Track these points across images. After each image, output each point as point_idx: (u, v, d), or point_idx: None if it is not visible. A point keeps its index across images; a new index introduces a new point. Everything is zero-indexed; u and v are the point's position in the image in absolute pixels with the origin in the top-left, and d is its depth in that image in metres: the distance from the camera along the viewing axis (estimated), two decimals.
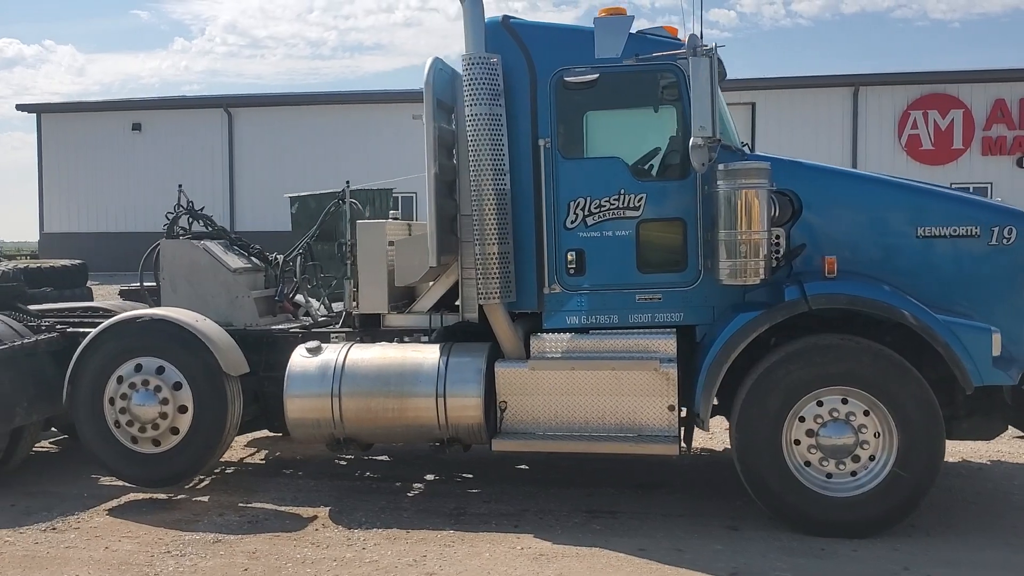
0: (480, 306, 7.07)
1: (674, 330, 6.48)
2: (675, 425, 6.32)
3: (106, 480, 7.57)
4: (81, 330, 7.80)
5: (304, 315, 8.26)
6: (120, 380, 6.97)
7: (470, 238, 6.85)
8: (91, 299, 24.27)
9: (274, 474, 7.79)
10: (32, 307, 8.28)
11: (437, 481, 7.52)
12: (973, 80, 31.48)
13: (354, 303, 7.58)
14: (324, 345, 6.96)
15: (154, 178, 35.75)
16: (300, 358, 6.86)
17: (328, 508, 6.74)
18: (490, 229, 6.44)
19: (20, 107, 37.87)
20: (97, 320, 8.36)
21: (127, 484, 7.25)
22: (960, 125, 31.51)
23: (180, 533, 6.21)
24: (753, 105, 32.38)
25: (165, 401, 6.89)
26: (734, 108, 34.75)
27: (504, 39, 6.56)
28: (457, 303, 7.09)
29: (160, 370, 6.93)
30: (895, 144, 31.90)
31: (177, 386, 6.91)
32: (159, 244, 8.00)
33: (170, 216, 8.05)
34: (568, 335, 6.57)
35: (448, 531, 6.20)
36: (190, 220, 8.13)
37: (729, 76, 7.05)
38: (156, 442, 6.96)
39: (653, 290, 6.55)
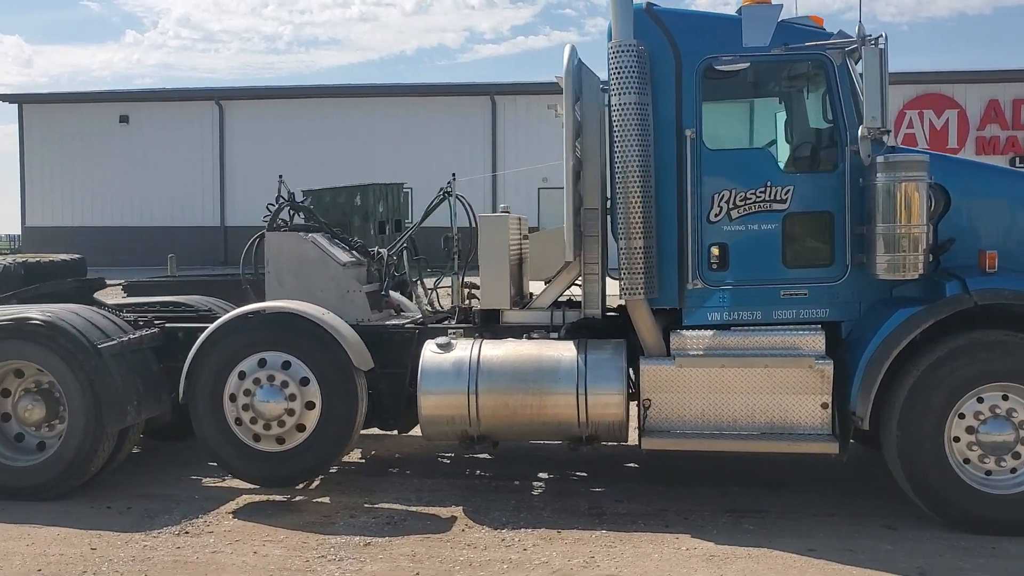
0: (604, 302, 6.97)
1: (820, 326, 6.36)
2: (828, 423, 6.20)
3: (208, 481, 7.30)
4: (182, 325, 7.53)
5: (399, 310, 8.04)
6: (242, 376, 6.70)
7: (594, 232, 6.71)
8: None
9: (379, 473, 7.55)
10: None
11: (554, 479, 7.33)
12: (968, 80, 31.93)
13: (469, 299, 7.38)
14: (454, 341, 6.74)
15: (142, 172, 35.19)
16: (432, 354, 6.64)
17: (460, 508, 6.54)
18: (636, 222, 6.26)
19: (1, 97, 36.98)
20: (184, 315, 8.10)
21: (238, 485, 7.00)
22: (955, 125, 31.94)
23: (322, 536, 5.97)
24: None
25: (292, 397, 6.62)
26: (736, 104, 34.53)
27: (648, 26, 6.39)
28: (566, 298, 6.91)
29: (286, 365, 6.67)
30: (891, 142, 32.12)
31: (304, 381, 6.65)
32: (260, 236, 7.73)
33: (271, 208, 7.78)
34: (711, 332, 6.42)
35: (601, 531, 6.02)
36: (291, 212, 7.86)
37: None
38: (280, 440, 6.70)
39: (799, 285, 6.42)
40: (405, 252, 8.00)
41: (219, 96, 35.06)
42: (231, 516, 6.42)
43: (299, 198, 21.47)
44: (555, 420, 6.49)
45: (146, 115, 35.37)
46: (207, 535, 6.03)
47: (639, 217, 6.26)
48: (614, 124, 6.27)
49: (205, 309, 8.50)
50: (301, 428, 6.68)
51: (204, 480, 7.33)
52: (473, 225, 7.85)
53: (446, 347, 6.69)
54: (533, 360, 6.55)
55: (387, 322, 7.42)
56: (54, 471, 6.67)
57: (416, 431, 7.09)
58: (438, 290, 8.12)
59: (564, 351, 6.57)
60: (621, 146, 6.25)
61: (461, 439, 6.69)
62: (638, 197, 6.25)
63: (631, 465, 7.74)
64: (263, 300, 7.27)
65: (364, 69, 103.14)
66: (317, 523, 6.26)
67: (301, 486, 7.03)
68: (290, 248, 7.51)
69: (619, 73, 6.23)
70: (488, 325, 7.19)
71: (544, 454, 7.90)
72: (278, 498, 6.82)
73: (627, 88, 6.21)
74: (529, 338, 6.85)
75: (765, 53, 6.30)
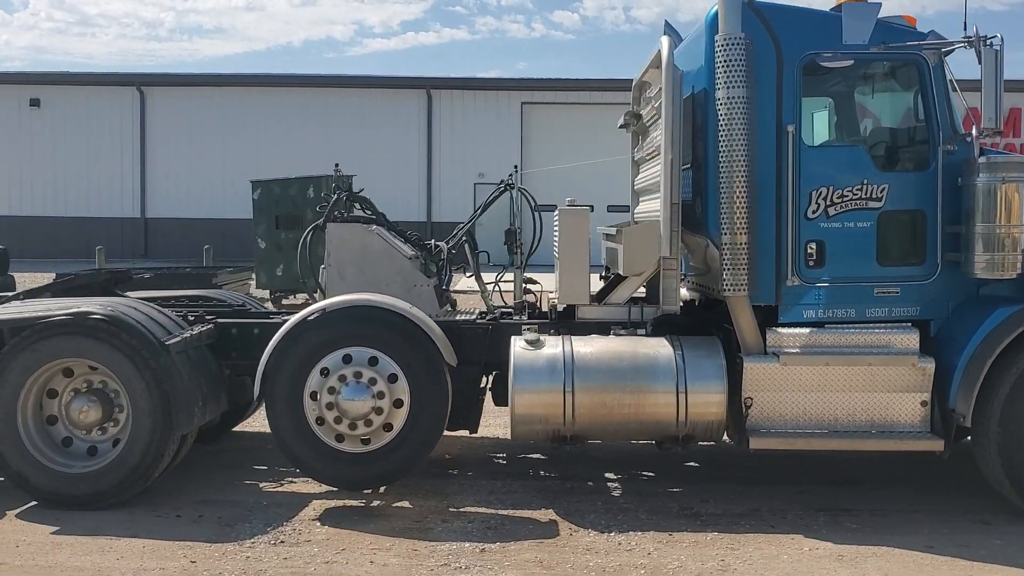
0: (681, 298, 6.89)
1: (911, 324, 6.40)
2: (928, 420, 6.24)
3: (265, 485, 6.91)
4: (236, 321, 7.10)
5: (454, 305, 7.78)
6: (325, 373, 6.32)
7: (675, 228, 6.61)
8: (14, 287, 22.46)
9: (439, 475, 7.23)
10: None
11: (625, 479, 7.18)
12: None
13: (525, 294, 7.20)
14: (543, 338, 6.52)
15: (55, 159, 33.40)
16: (524, 351, 6.41)
17: (550, 510, 6.33)
18: (740, 218, 6.18)
19: None
20: (226, 310, 7.66)
21: (299, 489, 6.66)
22: None
23: (429, 543, 5.68)
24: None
25: (380, 395, 6.29)
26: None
27: (749, 19, 6.29)
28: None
29: (373, 361, 6.33)
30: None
31: (392, 378, 6.32)
32: (314, 228, 7.35)
33: (329, 198, 7.39)
34: (807, 329, 6.38)
35: (711, 533, 5.91)
36: (348, 203, 7.49)
37: None
38: (365, 440, 6.36)
39: (891, 283, 6.43)
40: (466, 245, 7.69)
41: (140, 82, 33.48)
42: (317, 523, 6.05)
43: (253, 190, 20.68)
44: (653, 419, 6.35)
45: (59, 99, 33.52)
46: (306, 544, 5.66)
47: (744, 213, 6.17)
48: (720, 118, 6.17)
49: (239, 304, 8.06)
50: (388, 428, 6.36)
51: (261, 485, 6.91)
52: (534, 219, 7.64)
53: (536, 344, 6.46)
54: (629, 357, 6.39)
55: (457, 318, 7.14)
56: (116, 477, 6.17)
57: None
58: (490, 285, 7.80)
59: (659, 348, 6.43)
60: (727, 141, 6.15)
61: (552, 439, 6.47)
62: (743, 192, 6.16)
63: (692, 464, 7.66)
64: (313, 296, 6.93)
65: (250, 60, 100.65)
66: (413, 529, 5.96)
67: (368, 491, 6.71)
68: (353, 240, 7.15)
69: (727, 66, 6.12)
70: (564, 321, 7.00)
71: (593, 453, 7.75)
72: (354, 503, 6.47)
73: (735, 82, 6.12)
74: (616, 335, 6.69)
75: (864, 51, 6.30)
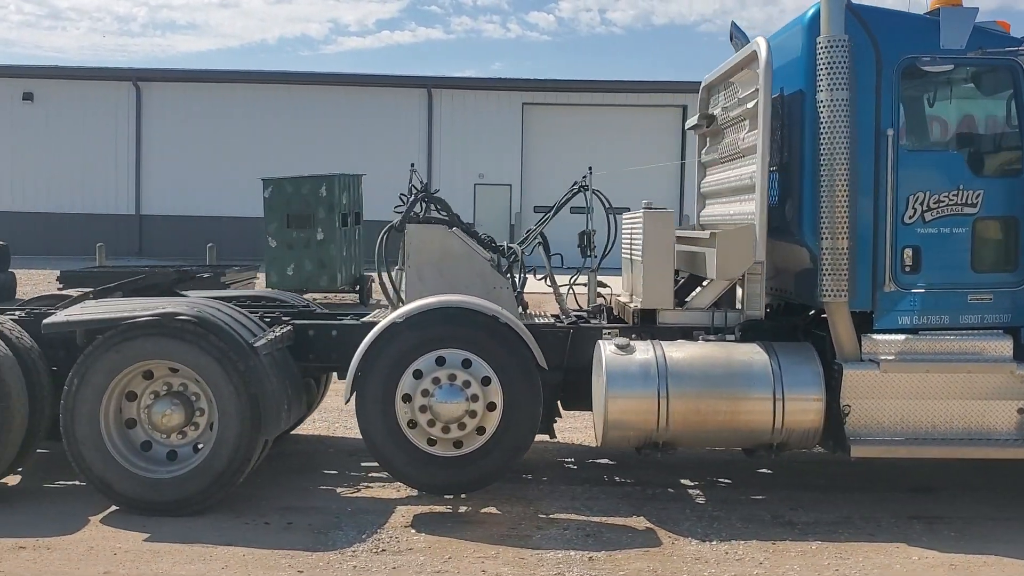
0: (761, 305, 6.81)
1: (1003, 331, 6.35)
2: (1022, 428, 6.19)
3: (342, 491, 6.74)
4: (312, 322, 6.94)
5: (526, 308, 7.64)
6: (418, 375, 6.19)
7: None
8: (14, 285, 22.07)
9: (515, 480, 7.08)
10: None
11: (705, 486, 7.07)
12: None
13: (609, 298, 7.11)
14: (632, 342, 6.41)
15: (49, 154, 32.97)
16: (615, 356, 6.29)
17: (641, 517, 6.23)
18: (841, 223, 6.10)
19: None
20: (293, 311, 7.49)
21: (377, 495, 6.52)
22: None
23: (534, 551, 5.55)
24: (684, 108, 33.06)
25: (474, 398, 6.17)
26: (667, 111, 35.45)
27: (849, 21, 6.21)
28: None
29: (466, 363, 6.20)
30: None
31: (485, 381, 6.20)
32: (389, 229, 7.20)
33: (406, 199, 7.25)
34: (902, 336, 6.30)
35: (815, 543, 5.82)
36: (425, 204, 7.34)
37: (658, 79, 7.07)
38: (458, 444, 6.23)
39: (984, 290, 6.37)
40: (541, 247, 7.57)
41: (137, 76, 33.10)
42: (412, 530, 5.90)
43: (264, 188, 20.44)
44: (747, 426, 6.26)
45: (54, 93, 33.08)
46: (409, 552, 5.51)
47: (845, 217, 6.10)
48: (821, 121, 6.09)
49: (303, 304, 7.90)
50: (480, 431, 6.24)
51: (337, 490, 6.76)
52: (609, 221, 7.52)
53: (627, 348, 6.35)
54: (723, 363, 6.29)
55: (536, 321, 7.02)
56: (201, 483, 5.99)
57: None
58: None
59: (753, 354, 6.34)
60: (829, 144, 6.07)
61: (643, 445, 6.37)
62: (845, 197, 6.08)
63: (764, 472, 7.57)
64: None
65: (223, 57, 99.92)
66: (511, 536, 5.83)
67: (450, 497, 6.58)
68: (433, 241, 7.01)
69: (830, 69, 6.04)
70: (645, 326, 6.89)
71: (662, 458, 7.64)
72: (439, 509, 6.33)
73: (838, 84, 6.04)
74: (705, 340, 6.59)
75: (962, 55, 6.24)
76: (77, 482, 6.42)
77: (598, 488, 6.94)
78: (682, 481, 7.20)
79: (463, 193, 32.96)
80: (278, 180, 19.99)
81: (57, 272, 18.18)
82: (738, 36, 8.06)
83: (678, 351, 6.37)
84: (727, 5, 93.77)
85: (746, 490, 6.99)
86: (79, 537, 5.66)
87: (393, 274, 7.32)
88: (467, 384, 6.18)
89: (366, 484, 6.88)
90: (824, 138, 6.10)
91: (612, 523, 6.12)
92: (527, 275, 7.49)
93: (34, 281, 21.72)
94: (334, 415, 8.89)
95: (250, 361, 5.94)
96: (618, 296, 7.74)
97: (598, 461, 7.70)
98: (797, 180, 6.48)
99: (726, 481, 7.26)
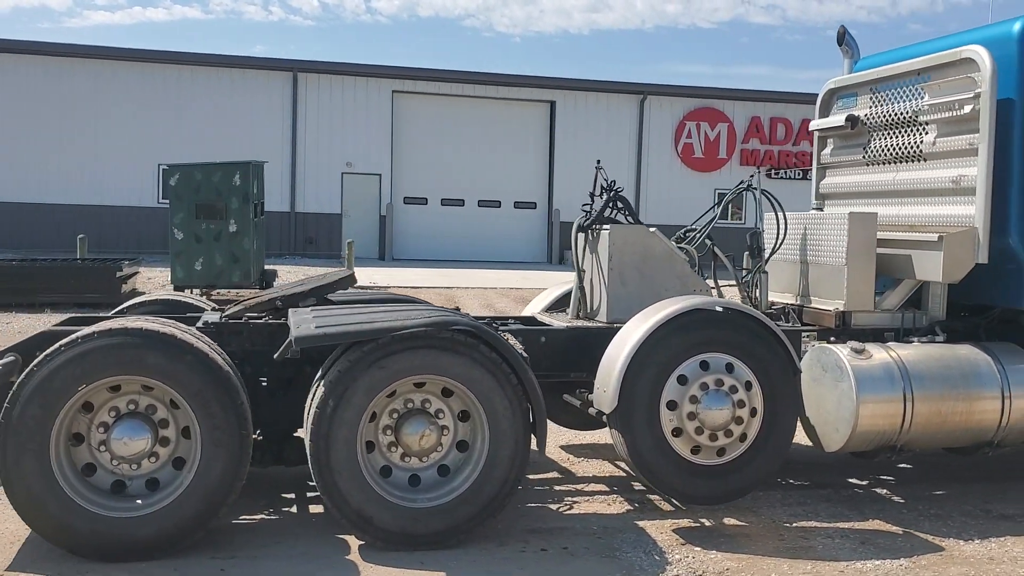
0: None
1: None
2: None
3: (560, 508, 6.30)
4: (533, 328, 6.45)
5: None
6: (682, 381, 5.87)
7: None
8: None
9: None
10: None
11: (898, 485, 7.10)
12: (736, 98, 35.17)
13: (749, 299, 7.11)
14: (866, 346, 6.39)
15: None
16: (858, 360, 6.24)
17: (877, 521, 6.18)
18: None
19: None
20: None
21: (571, 511, 6.13)
22: (725, 137, 35.11)
23: (827, 563, 5.37)
24: (553, 104, 33.46)
25: (740, 403, 5.93)
26: (536, 105, 35.99)
27: None
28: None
29: (729, 368, 5.95)
30: (672, 151, 34.73)
31: (748, 386, 5.98)
32: (580, 228, 6.76)
33: (597, 197, 6.83)
34: None
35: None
36: (611, 204, 6.93)
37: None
38: (720, 451, 5.97)
39: None
40: (714, 248, 7.35)
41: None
42: (697, 548, 5.57)
43: (170, 175, 18.68)
44: (979, 425, 6.42)
45: None
46: (729, 573, 5.21)
47: None
48: None
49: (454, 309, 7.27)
50: (743, 438, 6.00)
51: (554, 507, 6.30)
52: (779, 222, 7.39)
53: (862, 352, 6.32)
54: (955, 364, 6.41)
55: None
56: (471, 510, 5.36)
57: None
58: None
59: (975, 355, 6.51)
60: None
61: (881, 450, 6.37)
62: None
63: (905, 466, 7.76)
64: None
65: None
66: (791, 548, 5.63)
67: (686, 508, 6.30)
68: (635, 243, 6.66)
69: None
70: (843, 328, 6.89)
71: (798, 458, 7.67)
72: (685, 522, 6.02)
73: None
74: (920, 342, 6.67)
75: None
76: None
77: (802, 492, 6.82)
78: (850, 480, 7.23)
79: (330, 183, 31.77)
80: (186, 167, 18.33)
81: None
82: (849, 42, 8.21)
83: (909, 352, 6.43)
84: (489, 2, 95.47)
85: (932, 485, 7.05)
86: None
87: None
88: (733, 389, 5.94)
89: (571, 499, 6.47)
90: None
91: (868, 529, 6.03)
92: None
93: None
94: None
95: (527, 373, 5.40)
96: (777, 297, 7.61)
97: None
98: (1007, 186, 6.66)
99: (889, 479, 7.36)
